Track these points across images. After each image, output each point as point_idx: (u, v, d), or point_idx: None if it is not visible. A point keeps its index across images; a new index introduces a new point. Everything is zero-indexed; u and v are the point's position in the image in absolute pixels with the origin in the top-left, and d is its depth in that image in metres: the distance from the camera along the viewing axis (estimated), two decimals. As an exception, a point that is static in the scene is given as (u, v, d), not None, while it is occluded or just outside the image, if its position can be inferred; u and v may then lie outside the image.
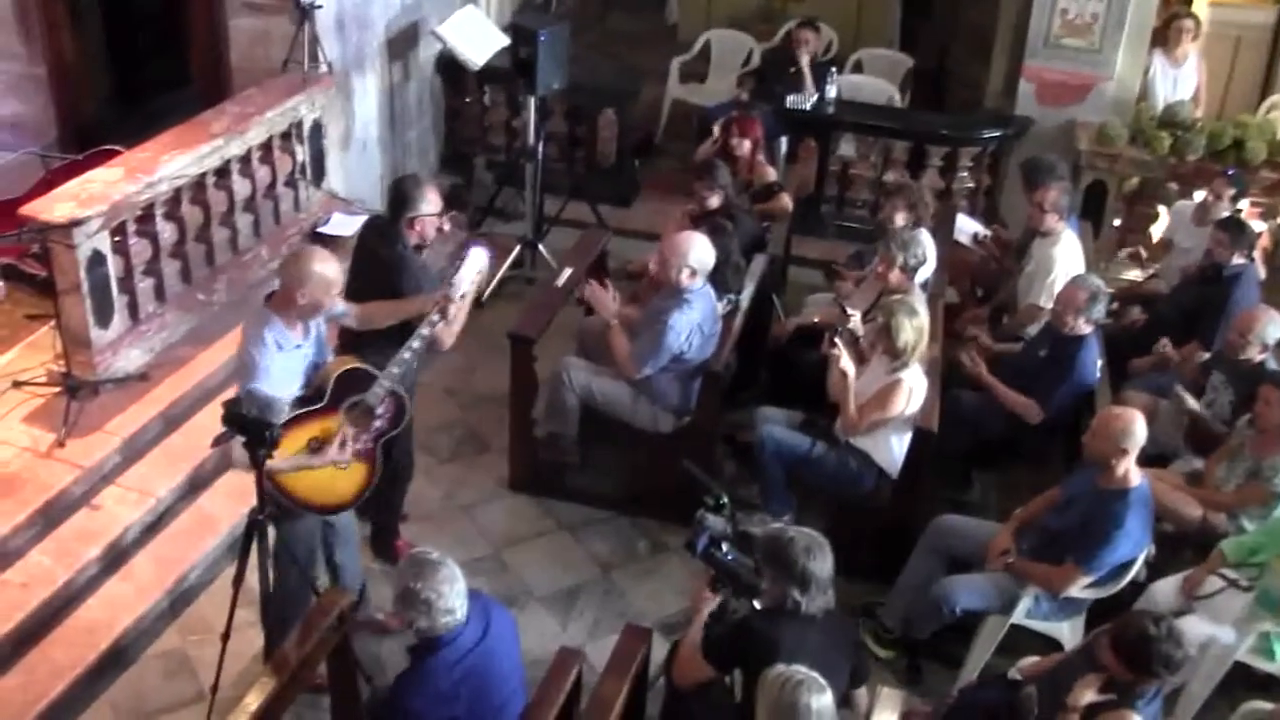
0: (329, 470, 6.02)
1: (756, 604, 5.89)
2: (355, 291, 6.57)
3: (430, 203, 6.86)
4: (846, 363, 7.26)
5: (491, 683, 5.13)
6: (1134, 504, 6.32)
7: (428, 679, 5.02)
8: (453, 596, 4.96)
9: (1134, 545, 6.40)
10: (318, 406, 5.97)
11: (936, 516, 7.19)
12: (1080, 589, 6.51)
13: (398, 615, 5.00)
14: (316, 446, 5.96)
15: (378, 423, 6.16)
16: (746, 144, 9.72)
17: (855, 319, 7.73)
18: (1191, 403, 7.66)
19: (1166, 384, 8.09)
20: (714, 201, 8.82)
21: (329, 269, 5.88)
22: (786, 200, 9.74)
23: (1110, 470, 6.36)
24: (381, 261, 6.81)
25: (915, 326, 7.15)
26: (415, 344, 6.15)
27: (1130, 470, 6.36)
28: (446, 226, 7.12)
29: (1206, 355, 8.08)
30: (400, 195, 6.92)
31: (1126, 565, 6.52)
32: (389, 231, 6.89)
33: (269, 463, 5.64)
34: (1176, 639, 5.18)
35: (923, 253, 7.99)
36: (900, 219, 8.63)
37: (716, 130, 10.16)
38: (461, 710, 5.03)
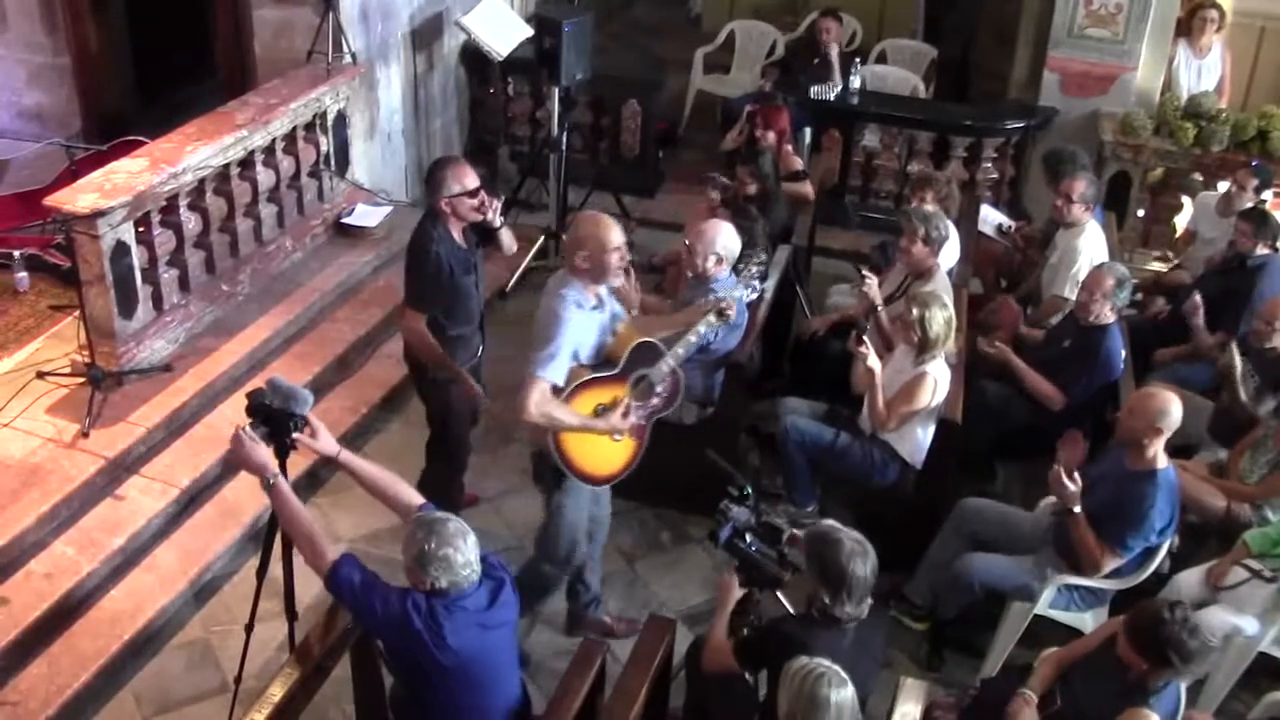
0: (604, 440, 6.21)
1: (780, 595, 5.88)
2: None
3: (457, 182, 6.62)
4: (873, 360, 7.24)
5: (486, 660, 5.03)
6: (1161, 485, 6.30)
7: (421, 606, 4.88)
8: (469, 550, 4.85)
9: (1160, 528, 6.40)
10: (609, 374, 6.11)
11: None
12: (1102, 579, 6.50)
13: (417, 579, 4.91)
14: (602, 411, 6.13)
15: (655, 400, 6.30)
16: (771, 135, 9.73)
17: (871, 283, 7.81)
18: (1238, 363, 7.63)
19: (1191, 375, 8.08)
20: (753, 188, 8.90)
21: (604, 230, 5.99)
22: (809, 186, 9.73)
23: (1141, 451, 6.33)
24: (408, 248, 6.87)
25: (946, 320, 7.15)
26: (702, 328, 6.42)
27: (1159, 453, 6.34)
28: (491, 205, 6.79)
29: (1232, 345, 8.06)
30: (428, 179, 6.86)
31: (1150, 554, 6.51)
32: (423, 219, 6.83)
33: (558, 413, 5.94)
34: (1192, 628, 5.13)
35: (945, 227, 7.98)
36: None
37: (744, 120, 10.18)
38: (451, 660, 4.90)
